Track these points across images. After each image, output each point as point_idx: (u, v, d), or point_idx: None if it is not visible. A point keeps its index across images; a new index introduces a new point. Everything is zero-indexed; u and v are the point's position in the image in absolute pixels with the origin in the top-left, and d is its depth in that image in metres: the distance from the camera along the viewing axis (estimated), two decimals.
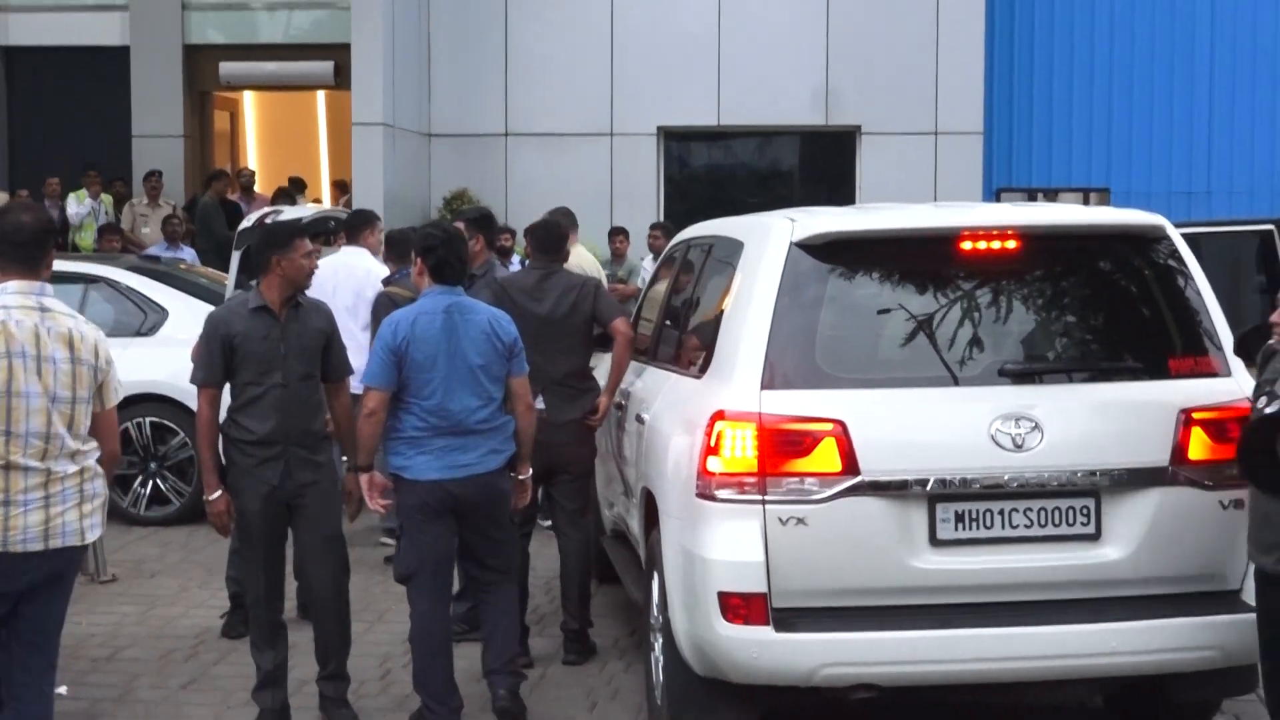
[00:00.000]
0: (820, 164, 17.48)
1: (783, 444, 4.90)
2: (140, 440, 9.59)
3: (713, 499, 4.96)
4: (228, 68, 17.25)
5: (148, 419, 9.55)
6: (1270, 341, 4.65)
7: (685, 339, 6.14)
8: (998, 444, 4.95)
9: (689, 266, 6.60)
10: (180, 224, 14.67)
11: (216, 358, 5.78)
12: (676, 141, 17.25)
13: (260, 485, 5.79)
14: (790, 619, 4.88)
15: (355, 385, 6.12)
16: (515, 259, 12.16)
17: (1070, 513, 5.00)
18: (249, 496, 5.81)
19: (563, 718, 6.09)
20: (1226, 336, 5.21)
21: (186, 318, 9.61)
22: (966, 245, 5.21)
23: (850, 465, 4.88)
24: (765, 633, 4.87)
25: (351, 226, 9.19)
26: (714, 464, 4.96)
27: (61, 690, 5.96)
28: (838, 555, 4.90)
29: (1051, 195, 17.24)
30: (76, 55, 17.22)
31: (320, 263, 6.36)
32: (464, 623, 6.67)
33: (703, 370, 5.49)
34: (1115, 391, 5.16)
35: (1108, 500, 5.02)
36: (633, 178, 16.74)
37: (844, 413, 4.92)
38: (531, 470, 6.07)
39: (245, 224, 9.05)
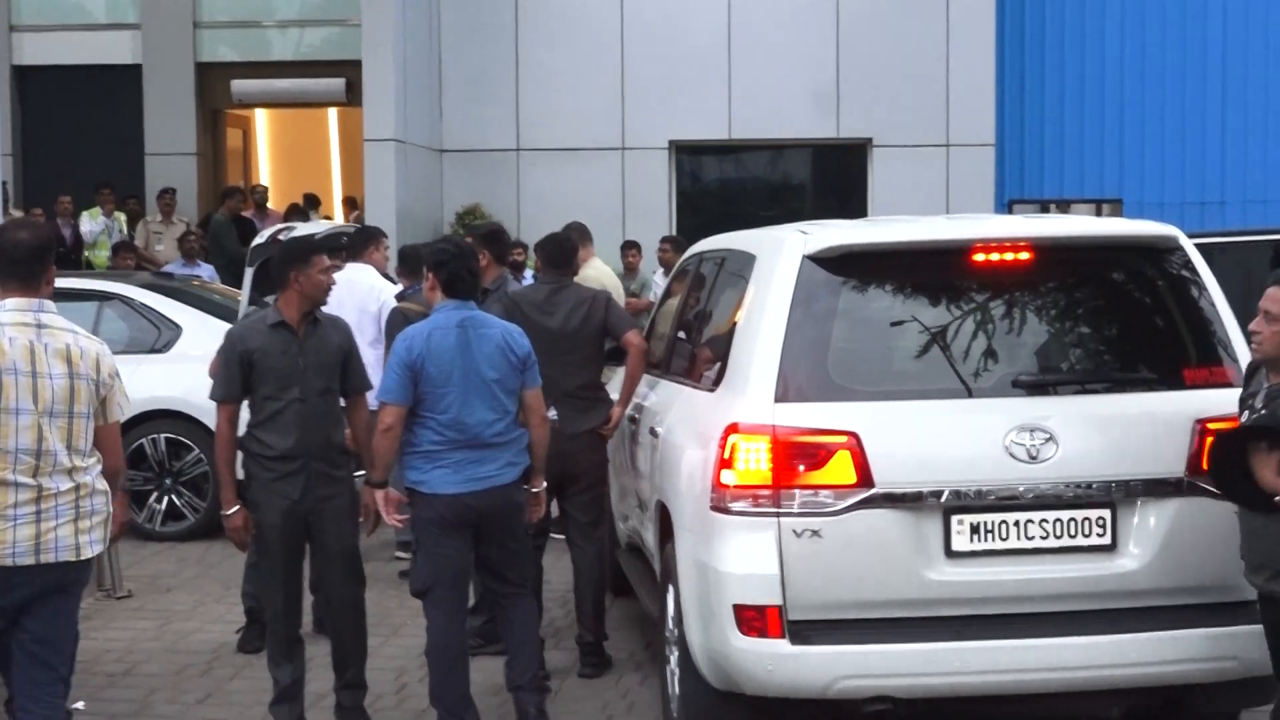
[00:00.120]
0: (831, 177, 17.49)
1: (797, 456, 4.90)
2: (155, 456, 9.62)
3: (727, 512, 4.96)
4: (240, 85, 17.28)
5: (163, 435, 9.58)
6: (1249, 346, 4.65)
7: (698, 352, 6.14)
8: (1012, 455, 4.95)
9: (701, 280, 6.60)
10: (196, 241, 14.71)
11: (235, 373, 5.81)
12: (688, 155, 17.27)
13: (280, 500, 5.81)
14: (805, 631, 4.88)
15: (370, 401, 6.13)
16: (528, 273, 12.18)
17: (1086, 524, 4.99)
18: (269, 511, 5.83)
19: None
20: (1240, 347, 5.20)
21: (201, 334, 9.66)
22: (979, 257, 5.21)
23: (864, 477, 4.88)
24: (780, 645, 4.87)
25: (355, 243, 9.18)
26: (728, 477, 4.96)
27: (78, 705, 5.98)
28: (853, 567, 4.89)
29: (1064, 207, 17.20)
30: (89, 74, 17.25)
31: None
32: (480, 637, 6.68)
33: (716, 383, 5.49)
34: (1130, 402, 5.16)
35: (1123, 511, 5.01)
36: (644, 192, 16.76)
37: (858, 425, 4.92)
38: (545, 482, 6.08)
39: (258, 240, 9.08)
